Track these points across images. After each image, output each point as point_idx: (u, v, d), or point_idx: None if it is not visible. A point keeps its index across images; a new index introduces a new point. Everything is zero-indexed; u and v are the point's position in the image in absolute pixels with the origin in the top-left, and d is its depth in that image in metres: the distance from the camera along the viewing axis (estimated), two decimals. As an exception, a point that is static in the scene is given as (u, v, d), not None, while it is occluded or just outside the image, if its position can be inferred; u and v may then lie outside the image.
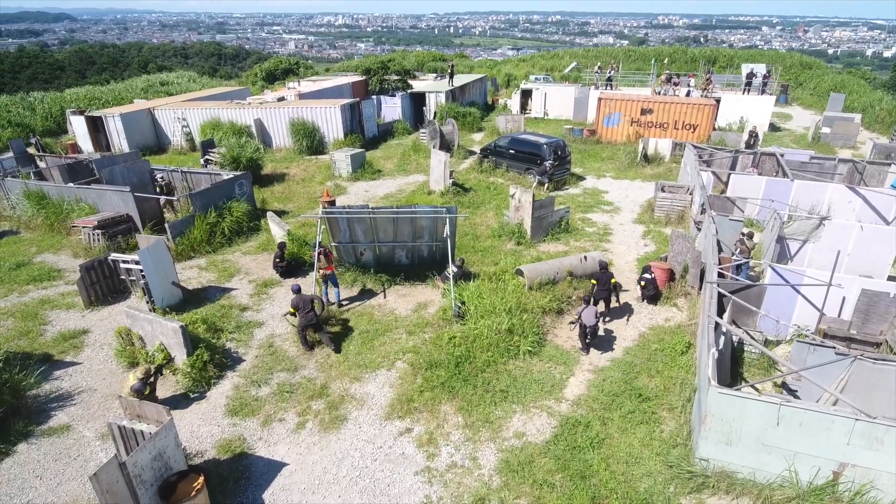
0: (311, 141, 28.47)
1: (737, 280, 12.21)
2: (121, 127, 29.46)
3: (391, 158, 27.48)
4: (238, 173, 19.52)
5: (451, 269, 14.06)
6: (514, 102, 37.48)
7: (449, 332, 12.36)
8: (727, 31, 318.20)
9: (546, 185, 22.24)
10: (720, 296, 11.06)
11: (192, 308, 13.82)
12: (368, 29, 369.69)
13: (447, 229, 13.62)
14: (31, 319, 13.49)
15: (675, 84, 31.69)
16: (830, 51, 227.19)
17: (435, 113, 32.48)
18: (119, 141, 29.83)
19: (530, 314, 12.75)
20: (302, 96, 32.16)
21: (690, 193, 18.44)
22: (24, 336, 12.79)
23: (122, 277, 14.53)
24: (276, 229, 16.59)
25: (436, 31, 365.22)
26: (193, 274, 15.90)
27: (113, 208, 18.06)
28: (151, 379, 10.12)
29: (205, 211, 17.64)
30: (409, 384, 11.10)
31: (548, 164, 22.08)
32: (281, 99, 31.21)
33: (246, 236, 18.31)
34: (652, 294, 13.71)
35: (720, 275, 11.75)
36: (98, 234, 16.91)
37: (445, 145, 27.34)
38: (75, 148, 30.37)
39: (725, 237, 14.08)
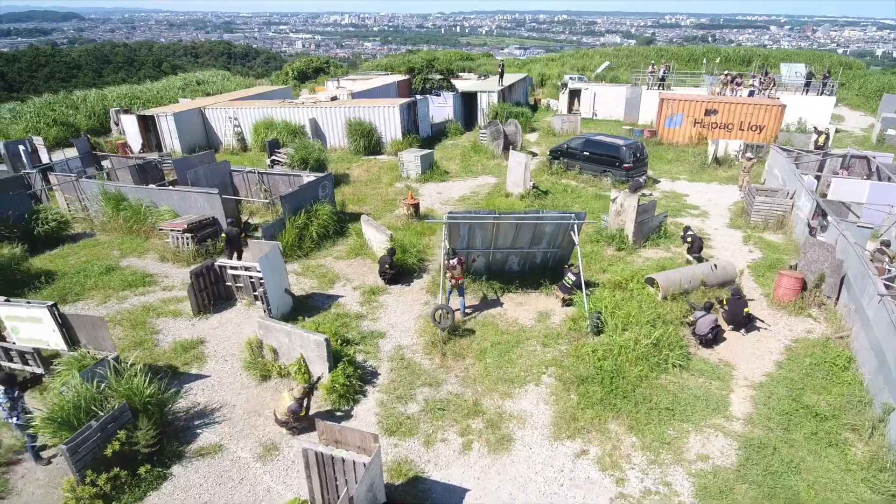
0: (368, 141, 27.91)
1: None
2: (173, 126, 28.92)
3: (452, 159, 26.89)
4: (321, 175, 18.93)
5: (571, 278, 13.50)
6: (562, 103, 36.85)
7: (590, 345, 11.78)
8: (735, 30, 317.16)
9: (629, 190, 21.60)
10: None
11: (304, 316, 13.25)
12: (375, 28, 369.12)
13: (576, 236, 13.03)
14: (141, 328, 12.94)
15: (738, 84, 31.03)
16: (840, 50, 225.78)
17: (497, 114, 31.80)
18: (171, 141, 29.29)
19: (672, 325, 12.17)
20: (354, 96, 31.57)
21: (791, 198, 17.82)
22: (139, 346, 12.23)
23: (228, 284, 13.96)
24: (374, 233, 16.00)
25: (442, 30, 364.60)
26: (291, 280, 15.27)
27: (197, 211, 17.50)
28: (307, 398, 9.57)
29: (294, 214, 17.07)
30: (565, 401, 10.51)
31: (627, 165, 21.51)
32: (334, 98, 30.62)
33: (333, 240, 17.74)
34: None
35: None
36: (188, 238, 16.36)
37: (507, 146, 26.75)
38: (125, 147, 29.84)
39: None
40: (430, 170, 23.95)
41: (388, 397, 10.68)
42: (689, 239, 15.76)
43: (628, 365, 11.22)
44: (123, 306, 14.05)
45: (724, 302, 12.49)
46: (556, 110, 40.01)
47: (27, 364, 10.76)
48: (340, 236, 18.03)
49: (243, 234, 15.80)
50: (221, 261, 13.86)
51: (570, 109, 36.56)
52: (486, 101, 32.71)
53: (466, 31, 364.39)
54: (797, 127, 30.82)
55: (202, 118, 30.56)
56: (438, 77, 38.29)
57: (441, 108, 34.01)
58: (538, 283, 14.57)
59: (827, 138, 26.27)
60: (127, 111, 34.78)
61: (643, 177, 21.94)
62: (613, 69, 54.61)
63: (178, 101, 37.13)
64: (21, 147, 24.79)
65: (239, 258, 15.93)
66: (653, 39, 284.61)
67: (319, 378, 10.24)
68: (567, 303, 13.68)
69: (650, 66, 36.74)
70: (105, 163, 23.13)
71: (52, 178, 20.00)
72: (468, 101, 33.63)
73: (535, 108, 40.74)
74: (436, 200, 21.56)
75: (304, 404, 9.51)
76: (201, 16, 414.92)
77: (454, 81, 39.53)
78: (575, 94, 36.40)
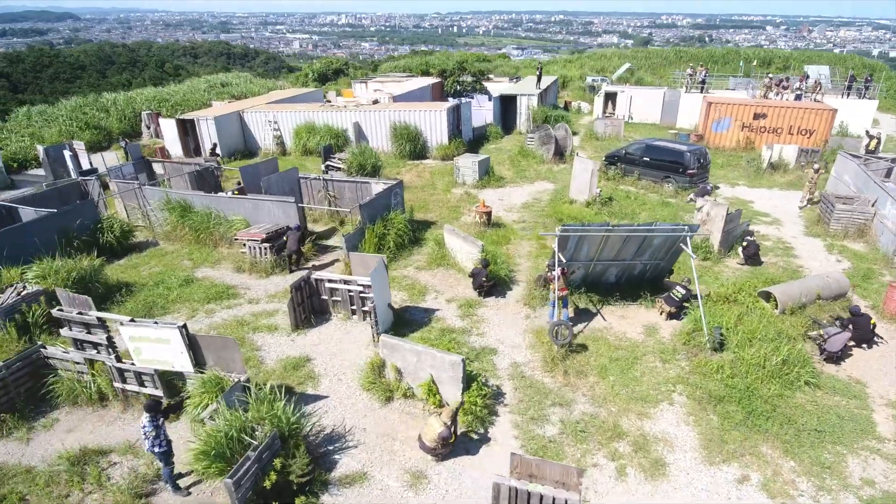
0: (414, 145, 27.53)
1: None
2: (214, 131, 28.44)
3: (501, 164, 26.49)
4: (392, 181, 18.54)
5: (680, 291, 13.18)
6: (598, 105, 36.56)
7: (714, 362, 11.47)
8: (731, 30, 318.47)
9: (694, 195, 21.32)
10: None
11: (406, 331, 12.90)
12: (372, 29, 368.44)
13: (689, 248, 12.70)
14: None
15: (785, 88, 30.82)
16: (836, 50, 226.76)
17: (548, 118, 31.41)
18: (210, 145, 28.77)
19: (797, 342, 11.87)
20: (395, 99, 31.16)
21: (873, 205, 17.56)
22: (245, 364, 11.80)
23: (324, 298, 13.55)
24: (461, 244, 15.61)
25: (439, 30, 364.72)
26: (378, 292, 14.91)
27: (270, 220, 17.08)
28: (455, 422, 9.20)
29: (373, 222, 16.67)
30: (706, 421, 10.18)
31: (691, 172, 21.23)
32: (375, 102, 30.20)
33: (409, 249, 17.35)
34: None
35: None
36: (266, 249, 15.93)
37: (559, 151, 26.45)
38: (164, 152, 29.34)
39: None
40: (487, 176, 23.57)
41: (521, 419, 10.32)
42: (744, 243, 16.13)
43: (759, 383, 10.91)
44: (213, 320, 13.63)
45: (852, 324, 12.11)
46: (586, 112, 39.77)
47: (143, 385, 10.33)
48: (415, 245, 17.64)
49: (304, 243, 15.89)
50: (319, 274, 13.44)
51: (604, 112, 36.28)
52: (526, 105, 32.36)
53: (463, 31, 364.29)
54: (838, 131, 30.64)
55: (240, 122, 30.09)
56: (470, 79, 37.97)
57: (478, 111, 33.66)
58: (636, 295, 14.25)
59: (878, 143, 26.09)
60: (158, 114, 34.31)
61: (710, 184, 21.66)
62: (634, 71, 54.40)
63: (209, 104, 36.63)
64: (66, 152, 24.29)
65: (296, 264, 15.78)
66: (650, 39, 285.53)
67: (463, 402, 9.84)
68: (672, 316, 13.36)
69: (689, 69, 36.49)
70: (157, 168, 22.62)
71: (112, 185, 19.50)
72: (506, 105, 33.25)
73: (566, 110, 40.44)
74: (499, 207, 21.17)
75: (454, 430, 9.14)
76: (197, 16, 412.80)
77: (485, 84, 39.24)
78: (610, 97, 36.11)
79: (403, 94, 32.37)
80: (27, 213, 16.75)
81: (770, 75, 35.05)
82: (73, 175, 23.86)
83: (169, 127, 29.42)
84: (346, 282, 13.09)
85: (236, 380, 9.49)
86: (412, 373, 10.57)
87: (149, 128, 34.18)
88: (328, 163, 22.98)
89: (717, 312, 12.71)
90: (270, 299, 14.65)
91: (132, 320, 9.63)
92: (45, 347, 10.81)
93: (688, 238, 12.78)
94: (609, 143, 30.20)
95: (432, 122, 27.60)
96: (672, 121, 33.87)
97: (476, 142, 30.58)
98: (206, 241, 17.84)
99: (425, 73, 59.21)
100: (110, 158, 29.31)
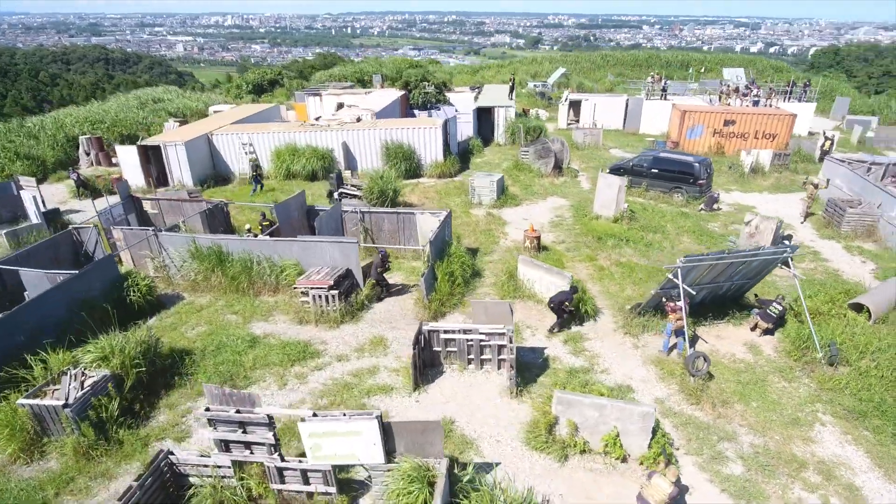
0: (409, 164, 26.66)
1: None
2: (184, 157, 25.85)
3: (501, 180, 26.32)
4: (439, 211, 17.76)
5: (777, 308, 13.75)
6: (562, 114, 37.39)
7: (840, 377, 12.08)
8: (612, 29, 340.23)
9: (705, 205, 22.40)
10: None
11: (528, 374, 12.43)
12: (261, 30, 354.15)
13: (794, 269, 13.26)
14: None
15: (745, 95, 33.23)
16: (705, 48, 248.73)
17: (530, 129, 31.50)
18: (180, 173, 26.17)
19: (900, 349, 12.76)
20: (378, 115, 29.95)
21: (878, 207, 19.35)
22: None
23: (437, 350, 12.69)
24: (543, 275, 15.24)
25: (333, 31, 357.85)
26: (469, 333, 14.24)
27: (325, 262, 15.75)
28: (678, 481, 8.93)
29: (441, 258, 15.88)
30: (863, 439, 10.68)
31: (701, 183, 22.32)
32: (358, 119, 28.87)
33: (471, 283, 16.72)
34: None
35: None
36: (334, 296, 14.68)
37: (558, 164, 26.75)
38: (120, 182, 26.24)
39: None
40: (504, 195, 23.31)
41: (700, 459, 10.25)
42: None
43: (886, 393, 11.61)
44: (312, 387, 12.33)
45: None
46: (544, 119, 40.56)
47: (308, 483, 9.09)
48: (475, 277, 17.04)
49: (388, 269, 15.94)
50: (432, 324, 12.55)
51: (568, 120, 37.23)
52: (503, 116, 32.44)
53: (357, 31, 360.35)
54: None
55: (209, 145, 27.60)
56: (434, 91, 37.39)
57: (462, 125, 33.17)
58: (723, 314, 14.70)
59: (832, 143, 28.88)
60: (100, 139, 30.73)
61: (717, 192, 22.84)
62: (569, 76, 56.35)
63: (154, 125, 33.33)
64: (25, 192, 21.10)
65: (385, 292, 15.72)
66: (540, 39, 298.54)
67: (671, 454, 9.57)
68: (766, 332, 13.91)
69: (650, 77, 38.28)
70: (147, 206, 20.10)
71: (116, 233, 17.08)
72: (482, 116, 33.10)
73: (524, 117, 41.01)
74: (523, 227, 20.92)
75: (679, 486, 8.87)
76: (62, 17, 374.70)
77: (447, 95, 38.85)
78: (574, 105, 37.09)
79: (382, 109, 31.21)
80: (33, 279, 14.25)
81: (726, 82, 37.67)
82: (36, 219, 20.73)
83: (128, 154, 26.30)
84: (465, 331, 12.32)
85: (435, 467, 8.58)
86: (591, 427, 10.15)
87: (88, 154, 30.45)
88: (342, 190, 21.62)
89: (835, 328, 13.30)
90: (359, 354, 13.50)
91: (315, 414, 8.41)
92: (172, 453, 9.20)
93: (790, 258, 13.33)
94: (590, 152, 31.03)
95: (427, 139, 26.87)
96: (635, 127, 35.40)
97: (462, 157, 30.17)
98: (245, 290, 16.14)
99: (360, 82, 57.88)
100: (55, 193, 25.95)
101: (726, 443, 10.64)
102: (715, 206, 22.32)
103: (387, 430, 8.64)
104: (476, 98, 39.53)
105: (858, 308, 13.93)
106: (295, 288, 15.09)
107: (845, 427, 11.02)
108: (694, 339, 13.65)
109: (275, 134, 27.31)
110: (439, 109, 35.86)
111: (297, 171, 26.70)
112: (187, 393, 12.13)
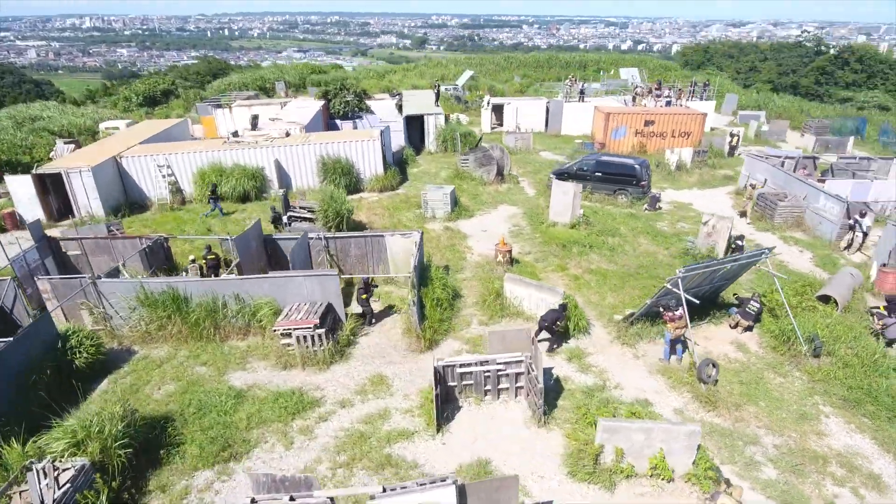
0: (349, 179, 25.46)
1: None
2: (92, 185, 22.87)
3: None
4: (409, 232, 16.96)
5: (755, 305, 14.51)
6: (485, 119, 37.62)
7: (827, 369, 12.96)
8: (495, 29, 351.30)
9: (648, 205, 23.39)
10: None
11: (551, 399, 12.15)
12: (126, 32, 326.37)
13: (771, 268, 14.02)
14: (392, 465, 10.50)
15: (658, 96, 35.18)
16: (581, 46, 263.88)
17: (464, 136, 31.11)
18: (88, 203, 23.15)
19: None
20: (307, 128, 28.28)
21: (804, 199, 21.20)
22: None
23: (452, 384, 12.01)
24: (532, 292, 15.01)
25: (208, 33, 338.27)
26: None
27: (302, 297, 14.47)
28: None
29: (423, 283, 15.17)
30: (866, 426, 11.50)
31: (644, 184, 23.31)
32: (287, 135, 27.09)
33: (454, 305, 16.12)
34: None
35: None
36: (321, 336, 13.51)
37: (499, 171, 26.77)
38: (14, 218, 22.81)
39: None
40: (457, 207, 22.88)
41: (735, 468, 10.51)
42: (733, 246, 18.26)
43: (868, 378, 12.61)
44: (324, 441, 11.21)
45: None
46: (466, 124, 40.66)
47: (367, 558, 8.15)
48: (456, 298, 16.47)
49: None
50: (449, 359, 11.84)
51: (492, 125, 37.55)
52: (433, 124, 32.00)
53: (236, 33, 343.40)
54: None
55: (118, 170, 24.66)
56: (354, 99, 36.16)
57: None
58: (704, 314, 15.30)
59: (738, 139, 31.43)
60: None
61: (658, 192, 23.94)
62: (476, 79, 57.00)
63: (46, 150, 29.29)
64: None
65: (370, 322, 15.09)
66: (426, 39, 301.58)
67: (728, 479, 9.63)
68: (747, 329, 14.66)
69: (567, 80, 39.42)
70: (66, 246, 17.42)
71: (43, 284, 14.58)
72: (411, 124, 32.44)
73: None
74: (484, 239, 20.73)
75: (741, 506, 8.96)
76: None
77: (368, 103, 37.76)
78: (496, 109, 37.44)
79: (311, 122, 29.52)
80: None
81: (639, 84, 39.72)
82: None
83: (21, 185, 22.80)
84: (482, 362, 11.77)
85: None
86: (637, 451, 10.02)
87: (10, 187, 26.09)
88: (291, 213, 20.09)
89: (812, 320, 14.17)
90: (362, 397, 12.50)
91: (385, 490, 7.51)
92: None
93: (767, 258, 14.11)
94: (523, 156, 31.41)
95: (365, 152, 25.79)
96: (557, 129, 36.40)
97: (397, 167, 29.34)
98: (209, 335, 14.45)
99: (263, 90, 54.91)
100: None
101: (752, 447, 10.99)
102: (658, 206, 23.38)
103: (461, 492, 7.92)
104: (398, 105, 38.79)
105: (824, 299, 15.06)
106: (275, 330, 13.69)
107: (846, 416, 11.81)
108: (685, 344, 14.06)
109: (196, 154, 24.94)
110: (362, 119, 34.75)
111: (226, 193, 24.57)
112: (179, 468, 10.55)
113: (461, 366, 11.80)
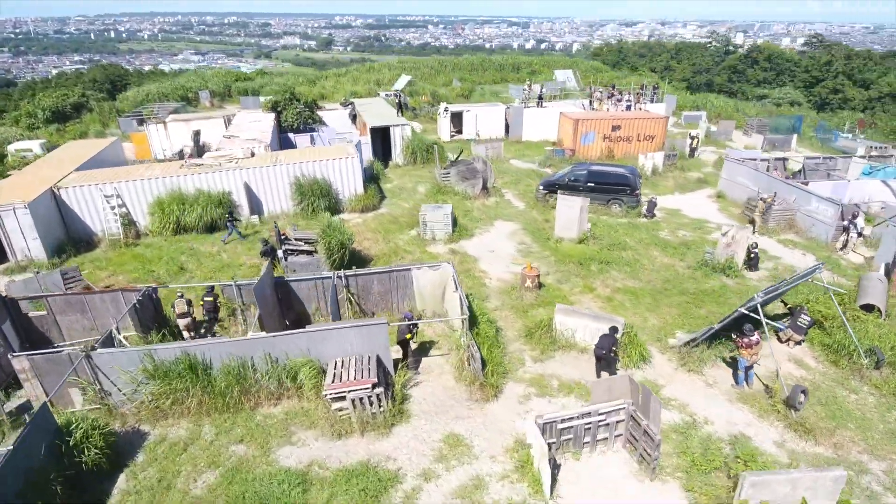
0: (328, 201, 23.45)
1: None
2: (29, 223, 19.43)
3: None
4: (441, 264, 15.50)
5: (805, 319, 14.47)
6: (444, 126, 36.40)
7: (891, 380, 13.05)
8: (401, 29, 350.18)
9: (646, 212, 23.28)
10: None
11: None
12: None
13: (825, 282, 13.96)
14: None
15: (619, 101, 35.44)
16: (487, 45, 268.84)
17: (430, 148, 29.56)
18: (26, 245, 19.67)
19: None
20: (271, 146, 25.77)
21: (794, 201, 21.85)
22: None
23: (551, 441, 10.80)
24: (588, 322, 14.09)
25: (91, 35, 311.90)
26: (539, 406, 12.63)
27: (345, 352, 12.71)
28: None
29: (475, 324, 13.83)
30: (955, 439, 11.59)
31: (638, 192, 23.20)
32: (252, 154, 24.50)
33: (495, 342, 14.90)
34: None
35: None
36: (380, 396, 11.87)
37: (484, 185, 25.74)
38: (-70, 270, 18.91)
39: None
40: (456, 227, 21.57)
41: (860, 502, 10.14)
42: (751, 255, 18.57)
43: (935, 386, 12.85)
44: (423, 527, 9.68)
45: None
46: (419, 132, 39.30)
47: None
48: (496, 332, 15.25)
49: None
50: (552, 414, 10.62)
51: (451, 133, 36.46)
52: (400, 135, 30.40)
53: (123, 35, 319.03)
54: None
55: (56, 203, 21.19)
56: (305, 111, 33.75)
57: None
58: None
59: (698, 141, 32.39)
60: None
61: (655, 197, 23.89)
62: (413, 83, 55.60)
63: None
64: None
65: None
66: (331, 40, 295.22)
67: None
68: (798, 343, 14.60)
69: (524, 85, 38.91)
70: (34, 309, 14.39)
71: (20, 362, 11.77)
72: (374, 136, 30.64)
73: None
74: (493, 259, 19.66)
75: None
76: None
77: (320, 114, 35.45)
78: (455, 116, 36.36)
79: (270, 139, 26.97)
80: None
81: (598, 88, 39.96)
82: None
83: (-63, 230, 18.92)
84: (585, 415, 10.68)
85: None
86: (780, 502, 9.35)
87: None
88: (288, 247, 17.93)
89: (869, 332, 14.22)
90: (444, 464, 11.00)
91: None
92: None
93: (819, 273, 14.05)
94: (495, 165, 30.41)
95: (344, 170, 23.86)
96: (518, 135, 35.83)
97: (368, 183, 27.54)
98: (237, 404, 12.33)
99: (184, 99, 50.56)
100: None
101: (865, 476, 10.69)
102: (653, 213, 23.33)
103: None
104: (351, 115, 36.80)
105: (866, 308, 15.29)
106: (325, 395, 11.83)
107: (928, 433, 11.85)
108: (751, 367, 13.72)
109: (152, 181, 21.92)
110: (316, 132, 32.51)
111: (191, 223, 21.81)
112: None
113: (563, 420, 10.64)
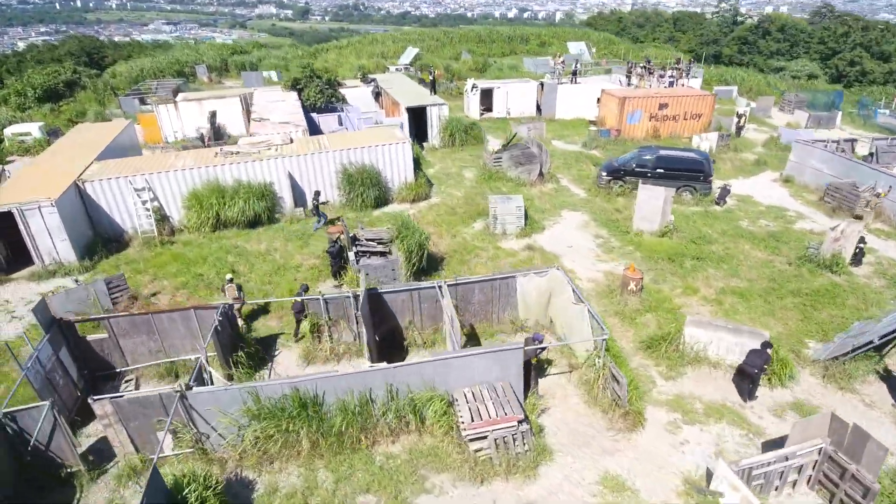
0: (378, 191, 21.55)
1: None
2: (57, 223, 17.26)
3: (480, 195, 22.65)
4: (549, 269, 13.87)
5: None
6: (474, 104, 34.27)
7: None
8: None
9: (719, 199, 21.87)
10: None
11: None
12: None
13: None
14: None
15: (661, 77, 33.63)
16: (469, 14, 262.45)
17: (468, 128, 27.60)
18: (53, 247, 17.51)
19: None
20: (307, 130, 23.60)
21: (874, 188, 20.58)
22: None
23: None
24: (724, 335, 12.68)
25: (56, 5, 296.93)
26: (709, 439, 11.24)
27: (470, 380, 11.10)
28: None
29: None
30: None
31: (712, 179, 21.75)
32: (291, 140, 22.30)
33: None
34: None
35: None
36: (525, 434, 10.35)
37: (540, 171, 23.98)
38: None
39: None
40: (528, 219, 19.88)
41: None
42: (856, 249, 17.18)
43: None
44: None
45: None
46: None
47: None
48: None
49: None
50: (748, 461, 9.19)
51: (480, 111, 34.41)
52: (437, 116, 28.34)
53: (90, 4, 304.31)
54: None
55: (81, 199, 18.96)
56: (327, 89, 31.36)
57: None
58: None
59: (745, 119, 30.95)
60: None
61: (729, 184, 22.47)
62: (421, 57, 52.98)
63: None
64: None
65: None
66: (308, 9, 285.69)
67: None
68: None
69: (552, 60, 36.81)
70: (92, 333, 12.43)
71: (100, 407, 9.91)
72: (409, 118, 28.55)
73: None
74: (586, 260, 18.08)
75: None
76: None
77: (341, 91, 33.08)
78: (486, 94, 34.25)
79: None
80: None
81: (639, 64, 37.97)
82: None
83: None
84: (787, 457, 9.30)
85: None
86: None
87: None
88: (359, 248, 16.08)
89: None
90: (613, 514, 9.59)
91: None
92: None
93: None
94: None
95: (394, 157, 21.89)
96: (551, 114, 33.94)
97: (414, 169, 25.59)
98: (353, 444, 10.70)
99: (181, 75, 47.45)
100: None
101: None
102: (726, 199, 21.93)
103: None
104: (375, 93, 34.50)
105: None
106: (466, 435, 10.23)
107: None
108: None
109: (186, 172, 19.75)
110: (342, 111, 30.26)
111: (232, 218, 19.79)
112: None
113: (761, 466, 9.24)
